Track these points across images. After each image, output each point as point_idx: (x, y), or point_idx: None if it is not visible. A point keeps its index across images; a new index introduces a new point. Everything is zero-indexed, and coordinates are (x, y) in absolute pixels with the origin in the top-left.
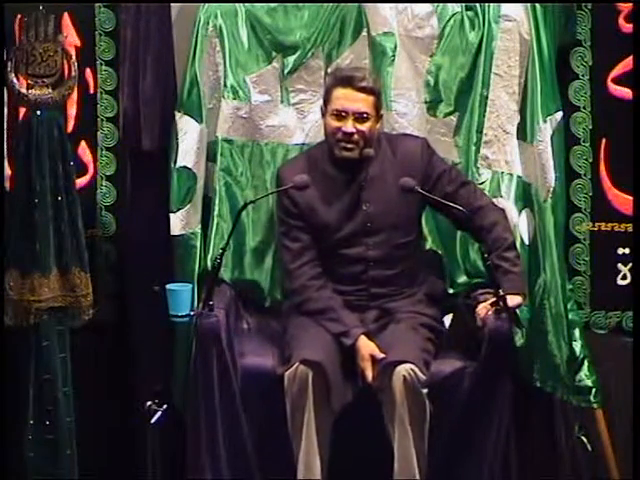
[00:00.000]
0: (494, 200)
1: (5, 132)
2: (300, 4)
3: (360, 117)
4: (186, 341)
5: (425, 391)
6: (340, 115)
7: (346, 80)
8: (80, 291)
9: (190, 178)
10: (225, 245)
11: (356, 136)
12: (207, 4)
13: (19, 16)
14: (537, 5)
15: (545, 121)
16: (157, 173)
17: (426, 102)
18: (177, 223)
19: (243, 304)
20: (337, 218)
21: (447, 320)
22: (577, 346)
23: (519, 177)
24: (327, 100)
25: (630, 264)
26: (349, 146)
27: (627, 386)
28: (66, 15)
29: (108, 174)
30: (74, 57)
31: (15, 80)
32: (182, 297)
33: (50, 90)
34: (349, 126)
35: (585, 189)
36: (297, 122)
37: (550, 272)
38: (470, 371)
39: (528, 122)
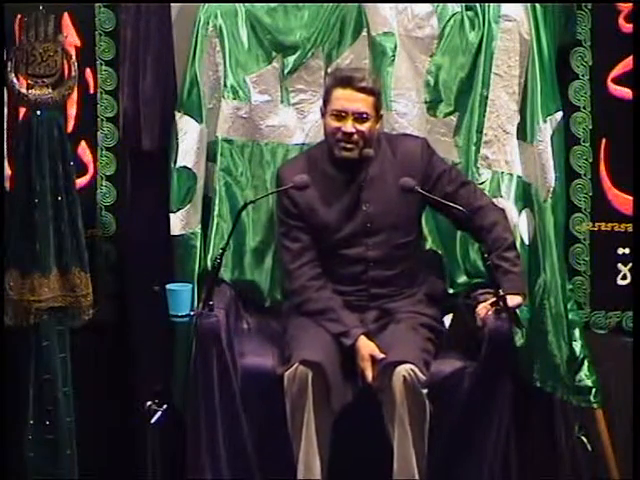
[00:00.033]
0: (494, 200)
1: (5, 132)
2: (300, 4)
3: (360, 117)
4: (186, 341)
5: (425, 391)
6: (340, 115)
7: (346, 80)
8: (80, 291)
9: (190, 178)
10: (225, 245)
11: (356, 136)
12: (207, 4)
13: (19, 16)
14: (537, 5)
15: (545, 121)
16: (157, 173)
17: (426, 102)
18: (177, 223)
19: (243, 304)
20: (337, 218)
21: (447, 320)
22: (577, 346)
23: (519, 177)
24: (327, 100)
25: (630, 264)
26: (349, 146)
27: (627, 386)
28: (66, 15)
29: (108, 174)
30: (74, 57)
31: (15, 80)
32: (182, 297)
33: (50, 90)
34: (349, 126)
35: (585, 189)
36: (297, 122)
37: (550, 272)
38: (470, 371)
39: (528, 122)
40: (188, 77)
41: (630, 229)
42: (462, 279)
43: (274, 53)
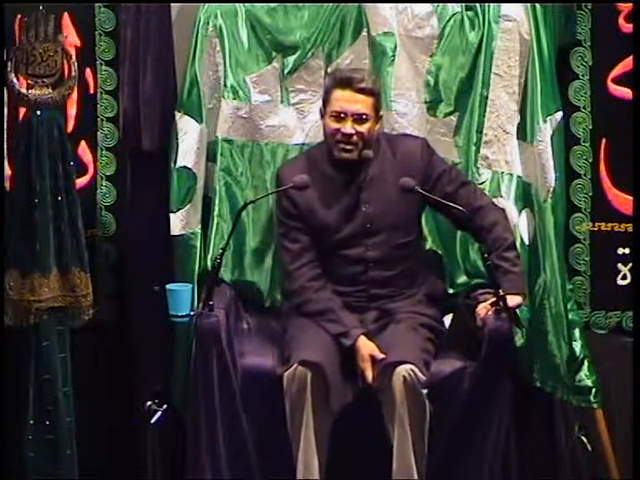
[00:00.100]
0: (494, 200)
1: (5, 132)
2: (300, 4)
3: (359, 118)
4: (186, 341)
5: (425, 391)
6: (339, 116)
7: (345, 81)
8: (80, 291)
9: (190, 178)
10: (225, 245)
11: (355, 137)
12: (207, 4)
13: (19, 16)
14: (537, 5)
15: (545, 121)
16: (157, 173)
17: (426, 102)
18: (177, 223)
19: (243, 304)
20: (336, 219)
21: (447, 320)
22: (577, 346)
23: (519, 177)
24: (326, 101)
25: (630, 264)
26: (348, 147)
27: (627, 386)
28: (66, 15)
29: (108, 174)
30: (74, 57)
31: (15, 80)
32: (182, 297)
33: (50, 90)
34: (348, 127)
35: (585, 189)
36: (297, 122)
37: (550, 272)
38: (470, 371)
39: (528, 122)
40: (188, 77)
41: (630, 229)
42: (462, 279)
43: (274, 53)
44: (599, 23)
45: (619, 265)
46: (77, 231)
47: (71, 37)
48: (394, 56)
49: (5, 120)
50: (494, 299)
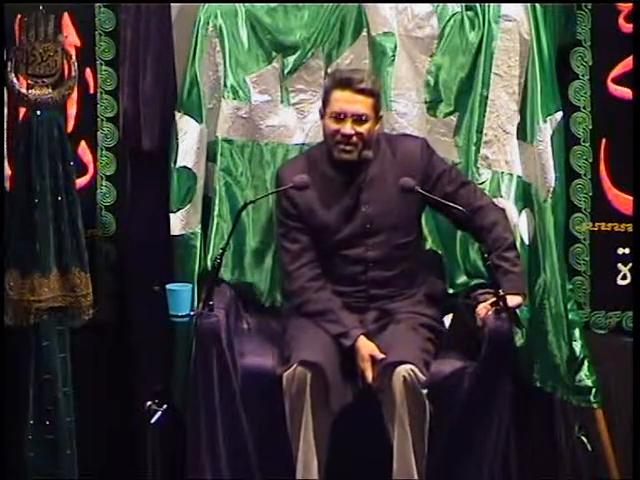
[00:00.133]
0: (494, 200)
1: (5, 132)
2: (300, 4)
3: (359, 119)
4: (186, 341)
5: (425, 391)
6: (339, 117)
7: (345, 82)
8: (80, 291)
9: (190, 178)
10: (225, 245)
11: (355, 138)
12: (207, 4)
13: (19, 16)
14: (537, 5)
15: (545, 121)
16: (157, 173)
17: (426, 102)
18: (177, 223)
19: (243, 304)
20: (336, 219)
21: (447, 320)
22: (577, 346)
23: (519, 177)
24: (326, 102)
25: (630, 264)
26: (348, 148)
27: (627, 386)
28: (66, 15)
29: (108, 174)
30: (74, 57)
31: (15, 80)
32: (182, 297)
33: (50, 90)
34: (348, 128)
35: (585, 189)
36: (297, 122)
37: (550, 272)
38: (470, 371)
39: (528, 122)
40: (188, 77)
41: (630, 229)
42: (462, 279)
43: (274, 53)
44: (599, 23)
45: (619, 265)
46: (77, 231)
47: (71, 37)
48: (394, 56)
49: (5, 120)
50: (494, 299)
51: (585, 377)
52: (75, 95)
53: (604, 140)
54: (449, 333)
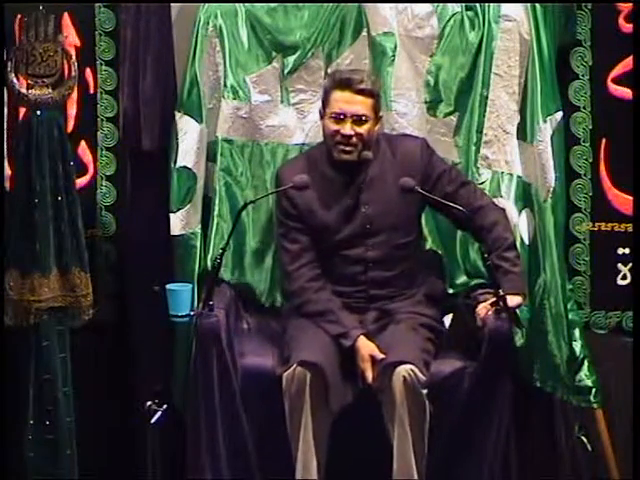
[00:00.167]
0: (494, 200)
1: (5, 132)
2: (300, 4)
3: (358, 120)
4: (186, 341)
5: (425, 391)
6: (338, 118)
7: (344, 82)
8: (80, 291)
9: (190, 178)
10: (225, 245)
11: (354, 139)
12: (207, 4)
13: (19, 16)
14: (537, 5)
15: (545, 121)
16: (157, 173)
17: (426, 102)
18: (177, 223)
19: (243, 304)
20: (336, 220)
21: (447, 320)
22: (577, 346)
23: (519, 177)
24: (325, 102)
25: (630, 264)
26: (347, 149)
27: (627, 386)
28: (66, 15)
29: (108, 174)
30: (74, 57)
31: (15, 80)
32: (182, 297)
33: (50, 90)
34: (347, 129)
35: (585, 189)
36: (297, 122)
37: (550, 272)
38: (470, 371)
39: (528, 122)
40: (188, 77)
41: (630, 229)
42: (462, 279)
43: (274, 53)
44: (599, 23)
45: (619, 265)
46: (77, 231)
47: (71, 37)
48: (394, 56)
49: (5, 120)
50: (494, 299)
51: (585, 377)
52: (75, 95)
53: (604, 140)
54: (449, 333)
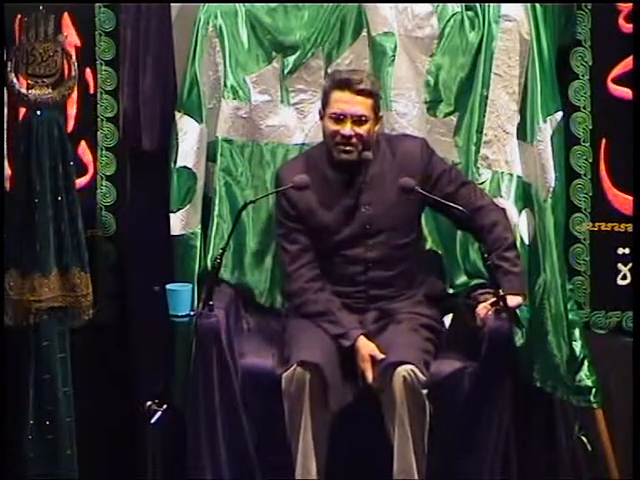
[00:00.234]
0: (494, 200)
1: (5, 132)
2: (300, 4)
3: (358, 120)
4: (186, 341)
5: (425, 391)
6: (338, 118)
7: (344, 83)
8: (80, 291)
9: (190, 178)
10: (225, 245)
11: (354, 139)
12: (207, 4)
13: (19, 16)
14: (537, 5)
15: (545, 121)
16: (157, 173)
17: (426, 102)
18: (177, 223)
19: (243, 304)
20: (336, 220)
21: (447, 320)
22: (577, 346)
23: (519, 177)
24: (325, 103)
25: (630, 264)
26: (347, 149)
27: (627, 386)
28: (66, 15)
29: (108, 174)
30: (74, 57)
31: (15, 80)
32: (182, 297)
33: (50, 90)
34: (347, 129)
35: (585, 189)
36: (297, 122)
37: (550, 272)
38: (470, 371)
39: (528, 122)
40: (188, 77)
41: (630, 229)
42: (462, 279)
43: (274, 53)
44: (599, 23)
45: (619, 265)
46: (77, 231)
47: (71, 37)
48: (394, 56)
49: (5, 120)
50: (494, 299)
51: (585, 377)
52: (75, 95)
53: (604, 140)
54: (449, 333)
